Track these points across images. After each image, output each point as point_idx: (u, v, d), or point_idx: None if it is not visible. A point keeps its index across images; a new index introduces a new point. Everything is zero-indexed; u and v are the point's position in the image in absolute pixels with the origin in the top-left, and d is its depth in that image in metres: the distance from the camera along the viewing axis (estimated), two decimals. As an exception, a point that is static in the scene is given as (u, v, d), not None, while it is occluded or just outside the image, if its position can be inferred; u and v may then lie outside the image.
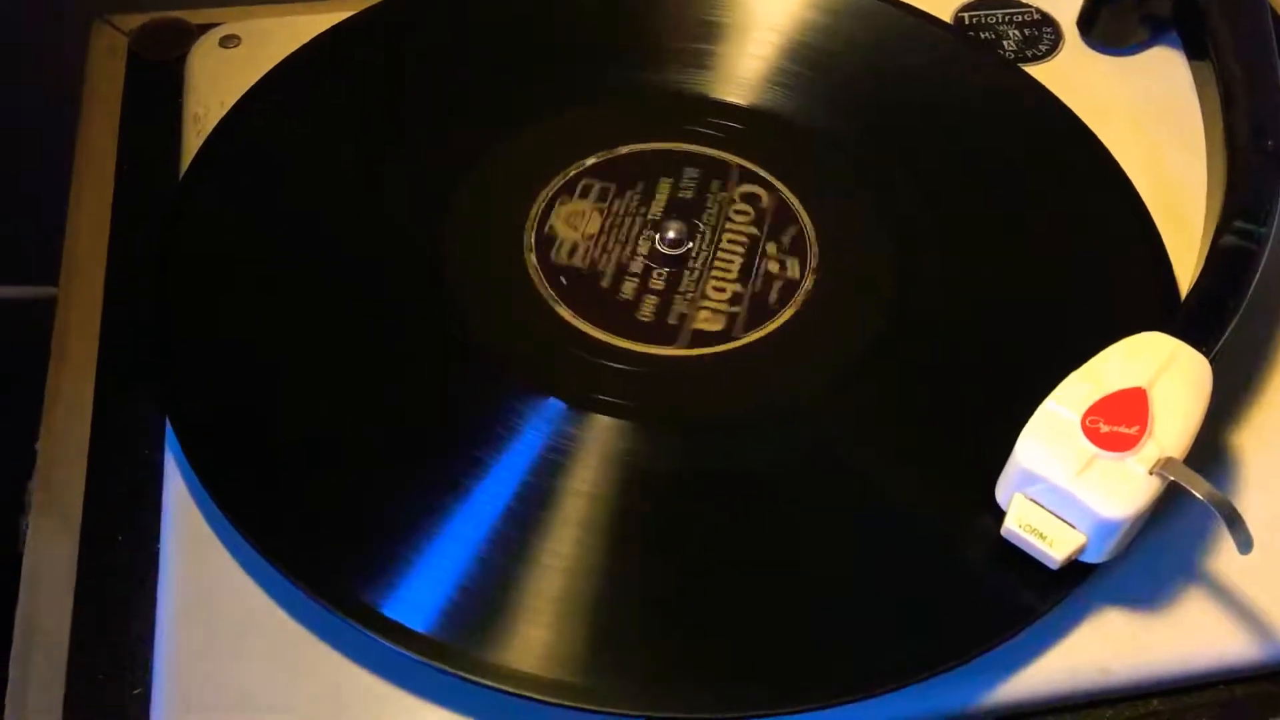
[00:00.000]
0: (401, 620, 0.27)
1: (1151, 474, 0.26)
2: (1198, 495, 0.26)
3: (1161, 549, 0.30)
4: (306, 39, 0.38)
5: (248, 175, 0.35)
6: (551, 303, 0.32)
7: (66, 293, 0.35)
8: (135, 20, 0.41)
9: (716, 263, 0.33)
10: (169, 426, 0.30)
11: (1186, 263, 0.33)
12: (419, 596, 0.27)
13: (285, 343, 0.32)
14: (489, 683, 0.26)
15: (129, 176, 0.38)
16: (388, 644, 0.27)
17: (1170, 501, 0.29)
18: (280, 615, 0.28)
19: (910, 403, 0.32)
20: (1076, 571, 0.28)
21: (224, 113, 0.36)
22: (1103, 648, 0.29)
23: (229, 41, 0.40)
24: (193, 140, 0.37)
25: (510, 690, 0.26)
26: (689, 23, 0.39)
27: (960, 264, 0.34)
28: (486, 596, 0.27)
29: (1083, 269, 0.34)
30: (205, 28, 0.40)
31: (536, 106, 0.36)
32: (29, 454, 0.32)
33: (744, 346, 0.32)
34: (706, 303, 0.32)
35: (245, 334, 0.32)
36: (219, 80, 0.38)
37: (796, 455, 0.30)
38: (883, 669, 0.27)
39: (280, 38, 0.38)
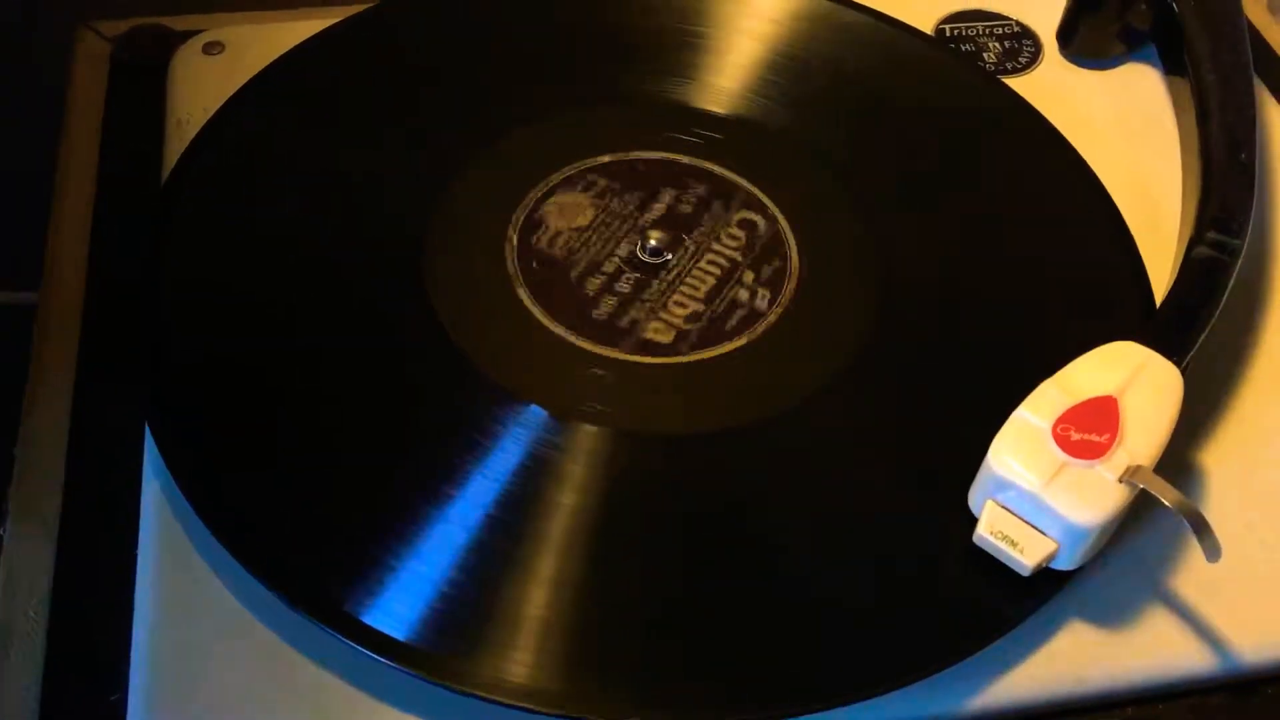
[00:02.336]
0: (381, 628, 0.27)
1: (1121, 482, 0.27)
2: (1166, 503, 0.26)
3: (1137, 560, 0.30)
4: (290, 46, 0.38)
5: (230, 182, 0.35)
6: (514, 282, 0.32)
7: (46, 298, 0.35)
8: (119, 26, 0.41)
9: (688, 279, 0.33)
10: (148, 432, 0.30)
11: (1163, 272, 0.34)
12: (399, 605, 0.27)
13: (265, 348, 0.32)
14: (471, 691, 0.26)
15: (111, 183, 0.38)
16: (367, 652, 0.27)
17: (1146, 513, 0.30)
18: (258, 623, 0.28)
19: (886, 408, 0.32)
20: (1051, 581, 0.28)
21: (207, 119, 0.36)
22: (1078, 657, 0.29)
23: (212, 48, 0.40)
24: (175, 147, 0.37)
25: (491, 698, 0.26)
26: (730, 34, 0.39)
27: (937, 273, 0.34)
28: (468, 604, 0.27)
29: (1061, 279, 0.35)
30: (189, 34, 0.40)
31: (550, 105, 0.37)
32: (7, 459, 0.32)
33: (684, 364, 0.32)
34: (664, 314, 0.33)
35: (225, 340, 0.32)
36: (202, 86, 0.38)
37: (785, 460, 0.30)
38: (859, 677, 0.27)
39: (264, 44, 0.39)
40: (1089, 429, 0.27)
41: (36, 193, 0.38)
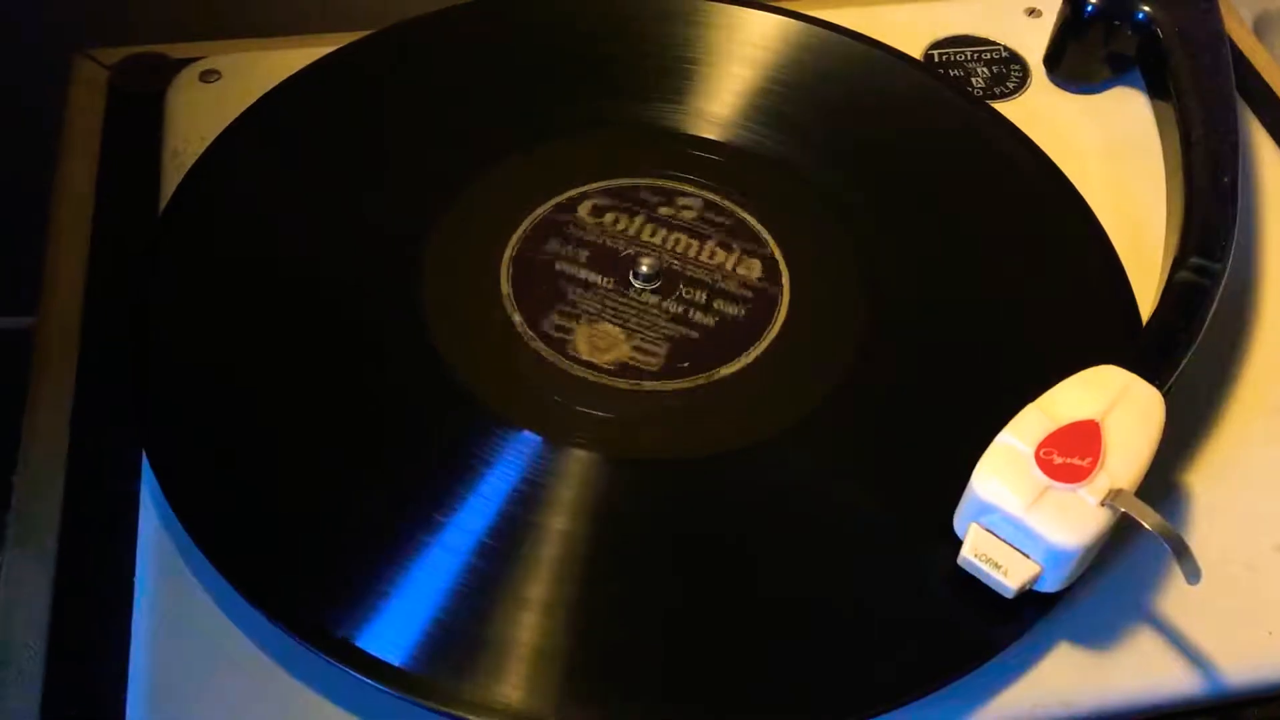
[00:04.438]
0: (377, 654, 0.27)
1: (1102, 505, 0.27)
2: (1147, 526, 0.26)
3: (1124, 583, 0.30)
4: (286, 74, 0.38)
5: (226, 210, 0.35)
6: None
7: (44, 325, 0.35)
8: (116, 54, 0.42)
9: (686, 250, 0.35)
10: (145, 460, 0.31)
11: (1150, 295, 0.34)
12: (395, 630, 0.27)
13: (262, 377, 0.32)
14: (464, 715, 0.27)
15: (108, 210, 0.38)
16: (363, 678, 0.27)
17: (1132, 535, 0.30)
18: (255, 649, 0.28)
19: (876, 433, 0.32)
20: (1038, 604, 0.28)
21: (204, 147, 0.36)
22: (1065, 680, 0.29)
23: (209, 76, 0.40)
24: (172, 175, 0.37)
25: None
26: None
27: (921, 296, 0.35)
28: (461, 629, 0.28)
29: (1046, 302, 0.35)
30: (186, 62, 0.41)
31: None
32: (5, 486, 0.32)
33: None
34: (738, 269, 0.34)
35: (222, 368, 0.32)
36: (199, 114, 0.39)
37: (772, 485, 0.31)
38: (847, 702, 0.27)
39: (260, 72, 0.39)
40: (1071, 453, 0.27)
41: (34, 218, 0.38)
